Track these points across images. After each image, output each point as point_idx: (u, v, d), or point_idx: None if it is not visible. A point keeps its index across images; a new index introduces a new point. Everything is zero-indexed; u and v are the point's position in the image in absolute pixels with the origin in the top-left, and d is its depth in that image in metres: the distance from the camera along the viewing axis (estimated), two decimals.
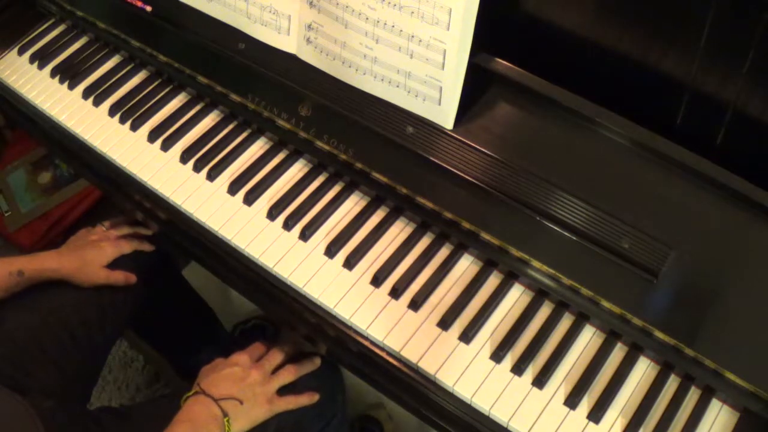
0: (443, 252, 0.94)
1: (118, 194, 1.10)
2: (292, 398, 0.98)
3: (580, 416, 0.81)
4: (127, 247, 1.14)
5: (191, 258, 1.12)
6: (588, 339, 0.87)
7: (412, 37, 0.90)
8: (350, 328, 0.90)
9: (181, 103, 1.13)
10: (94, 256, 1.10)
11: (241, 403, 0.92)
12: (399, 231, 0.96)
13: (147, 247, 1.17)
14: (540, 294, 0.89)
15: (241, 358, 0.99)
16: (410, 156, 0.94)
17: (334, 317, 0.91)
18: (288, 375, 0.99)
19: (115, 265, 1.12)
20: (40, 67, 1.21)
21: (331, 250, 0.94)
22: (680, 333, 0.80)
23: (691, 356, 0.80)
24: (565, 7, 0.91)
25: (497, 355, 0.85)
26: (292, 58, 1.03)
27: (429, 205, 0.93)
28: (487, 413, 0.83)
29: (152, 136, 1.08)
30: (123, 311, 1.15)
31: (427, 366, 0.85)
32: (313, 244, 0.95)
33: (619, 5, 0.87)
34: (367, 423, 1.47)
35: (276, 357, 1.01)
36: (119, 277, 1.11)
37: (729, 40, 0.80)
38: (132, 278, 1.13)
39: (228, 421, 0.90)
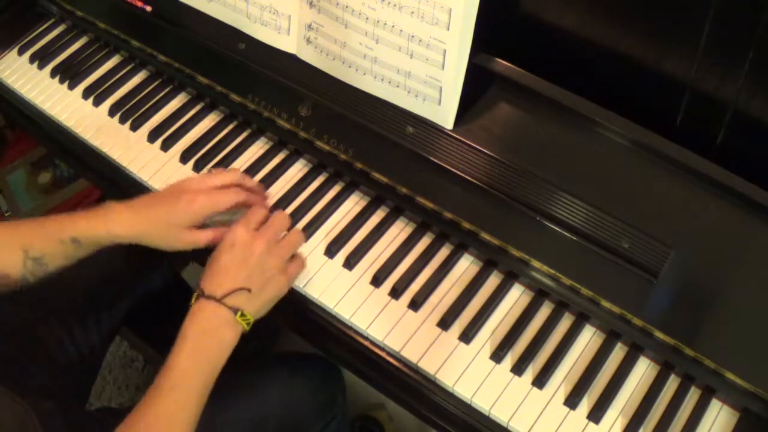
0: (443, 252, 0.94)
1: (118, 194, 1.10)
2: (299, 260, 0.90)
3: (580, 416, 0.81)
4: (224, 201, 0.90)
5: (191, 258, 1.11)
6: (588, 339, 0.87)
7: (412, 37, 0.90)
8: (350, 328, 0.90)
9: (181, 103, 1.13)
10: (180, 213, 0.87)
11: (250, 290, 0.82)
12: (399, 231, 0.96)
13: (258, 202, 0.94)
14: (540, 294, 0.89)
15: (238, 233, 0.85)
16: (410, 156, 0.94)
17: (333, 317, 0.91)
18: (297, 236, 0.89)
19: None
20: (40, 67, 1.21)
21: (331, 250, 0.94)
22: (680, 333, 0.80)
23: (691, 356, 0.80)
24: (565, 7, 0.91)
25: (497, 355, 0.85)
26: (292, 58, 1.03)
27: (429, 205, 0.93)
28: (487, 413, 0.83)
29: (152, 136, 1.09)
30: (119, 309, 1.14)
31: (427, 366, 0.85)
32: (313, 244, 0.95)
33: (619, 5, 0.87)
34: (368, 423, 1.47)
35: (280, 220, 0.89)
36: (206, 238, 0.89)
37: (729, 40, 0.80)
38: (219, 237, 0.89)
39: (241, 315, 0.81)
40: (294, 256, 0.90)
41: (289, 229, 0.94)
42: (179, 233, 0.88)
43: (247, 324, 0.83)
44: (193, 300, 0.83)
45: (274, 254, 0.86)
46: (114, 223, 0.87)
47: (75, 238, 0.86)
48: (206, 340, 0.80)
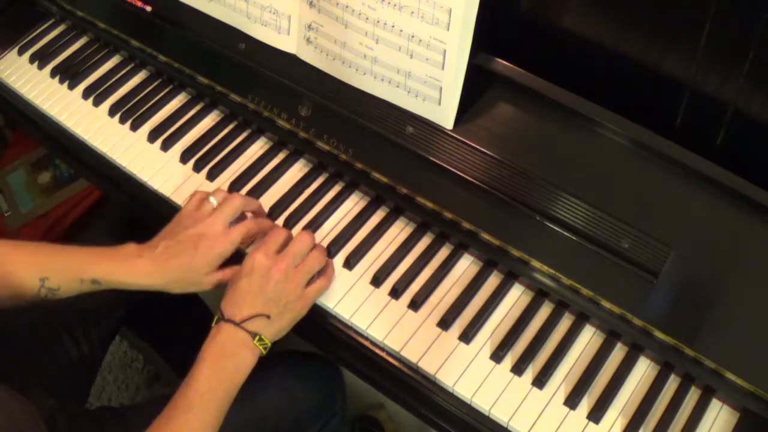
0: (443, 252, 0.94)
1: (118, 194, 1.10)
2: (321, 282, 0.89)
3: (580, 416, 0.81)
4: (240, 239, 0.90)
5: None
6: (588, 339, 0.87)
7: (412, 37, 0.90)
8: (350, 328, 0.90)
9: (181, 103, 1.13)
10: (200, 261, 0.88)
11: (269, 317, 0.84)
12: (399, 231, 0.96)
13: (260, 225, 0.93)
14: (540, 294, 0.89)
15: (257, 258, 0.85)
16: (410, 156, 0.94)
17: (333, 317, 0.90)
18: (314, 261, 0.88)
19: None
20: (40, 67, 1.21)
21: (331, 251, 0.94)
22: (680, 333, 0.80)
23: (691, 356, 0.80)
24: (565, 7, 0.91)
25: (497, 355, 0.85)
26: (292, 58, 1.03)
27: (429, 205, 0.93)
28: (487, 413, 0.83)
29: (152, 136, 1.08)
30: (119, 308, 1.14)
31: (427, 366, 0.85)
32: None
33: (619, 5, 0.87)
34: (368, 423, 1.47)
35: (300, 244, 0.88)
36: (225, 276, 0.89)
37: (729, 40, 0.80)
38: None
39: (259, 339, 0.83)
40: (314, 277, 0.89)
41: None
42: (201, 279, 0.89)
43: (265, 348, 0.84)
44: (213, 322, 0.84)
45: (291, 280, 0.86)
46: (137, 276, 0.88)
47: (96, 280, 0.88)
48: (224, 362, 0.82)
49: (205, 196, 0.92)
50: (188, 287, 0.90)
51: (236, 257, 0.89)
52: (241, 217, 0.93)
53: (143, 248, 0.89)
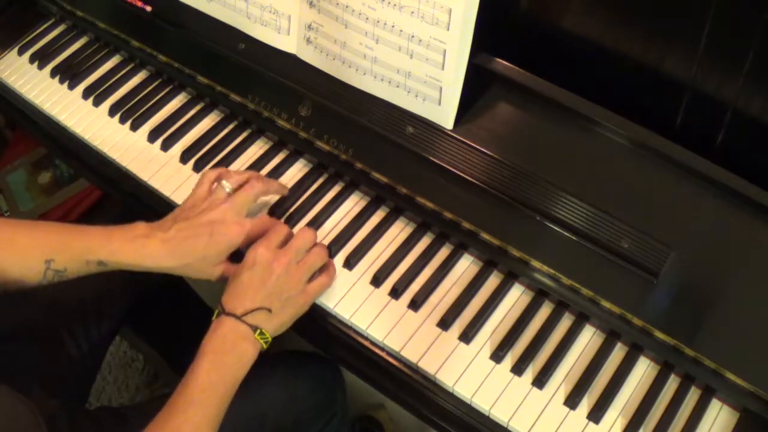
0: (443, 252, 0.94)
1: (118, 194, 1.10)
2: (324, 278, 0.88)
3: (580, 416, 0.81)
4: (255, 232, 0.88)
5: None
6: (588, 339, 0.87)
7: (412, 37, 0.90)
8: (350, 327, 0.90)
9: (181, 103, 1.13)
10: (214, 248, 0.86)
11: (270, 310, 0.83)
12: (399, 231, 0.96)
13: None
14: (540, 294, 0.89)
15: (259, 252, 0.84)
16: (410, 156, 0.94)
17: (333, 317, 0.91)
18: (316, 257, 0.88)
19: None
20: (40, 67, 1.21)
21: (331, 251, 0.94)
22: (680, 333, 0.80)
23: (691, 356, 0.80)
24: (565, 7, 0.91)
25: (497, 355, 0.85)
26: (292, 58, 1.03)
27: (429, 205, 0.93)
28: (487, 413, 0.83)
29: (152, 136, 1.09)
30: (120, 307, 1.14)
31: (427, 366, 0.85)
32: None
33: (619, 5, 0.87)
34: (368, 423, 1.47)
35: (302, 239, 0.88)
36: (231, 271, 0.88)
37: (729, 40, 0.80)
38: None
39: (260, 333, 0.82)
40: (316, 275, 0.89)
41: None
42: (211, 268, 0.88)
43: (266, 342, 0.83)
44: (214, 317, 0.84)
45: (293, 275, 0.85)
46: (146, 258, 0.85)
47: (102, 261, 0.85)
48: (225, 356, 0.81)
49: (216, 178, 0.91)
50: (195, 274, 0.88)
51: (236, 256, 0.89)
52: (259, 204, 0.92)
53: (153, 228, 0.87)
